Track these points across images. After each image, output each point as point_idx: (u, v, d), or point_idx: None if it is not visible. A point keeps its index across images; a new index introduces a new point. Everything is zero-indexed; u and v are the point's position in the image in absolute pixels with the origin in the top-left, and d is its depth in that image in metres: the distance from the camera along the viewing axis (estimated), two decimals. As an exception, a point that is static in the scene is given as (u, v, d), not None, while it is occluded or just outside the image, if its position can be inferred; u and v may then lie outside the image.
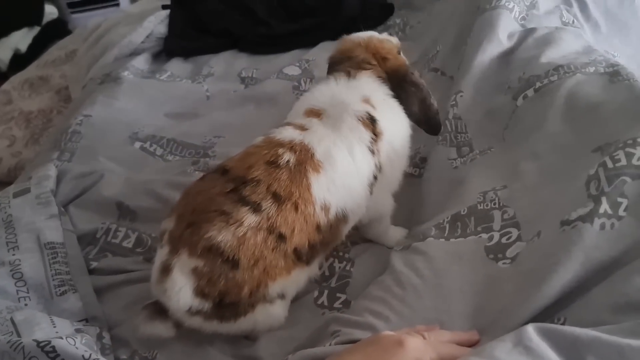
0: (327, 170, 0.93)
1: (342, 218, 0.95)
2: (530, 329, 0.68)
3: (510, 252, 0.88)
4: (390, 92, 1.06)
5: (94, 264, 1.13)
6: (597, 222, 0.79)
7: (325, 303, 1.00)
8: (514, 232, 0.91)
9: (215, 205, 0.87)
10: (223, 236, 0.85)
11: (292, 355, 0.82)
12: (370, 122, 0.99)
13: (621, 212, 0.79)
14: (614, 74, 1.04)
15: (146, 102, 1.60)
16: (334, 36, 1.79)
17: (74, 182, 1.27)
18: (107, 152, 1.39)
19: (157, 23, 1.90)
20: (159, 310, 0.91)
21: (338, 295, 1.01)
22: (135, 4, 2.38)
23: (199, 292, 0.87)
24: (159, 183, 1.26)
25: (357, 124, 0.97)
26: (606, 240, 0.78)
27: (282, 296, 0.93)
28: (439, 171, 1.19)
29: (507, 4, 1.37)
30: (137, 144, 1.43)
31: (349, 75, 1.06)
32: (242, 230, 0.85)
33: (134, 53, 1.84)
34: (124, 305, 1.04)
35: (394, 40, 1.16)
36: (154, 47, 1.87)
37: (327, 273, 1.06)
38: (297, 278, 0.94)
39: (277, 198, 0.88)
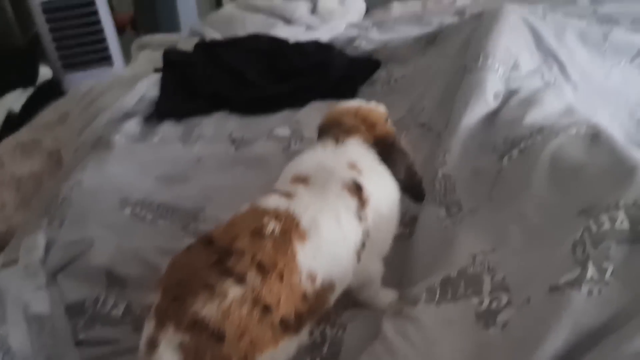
0: (313, 239, 0.92)
1: (328, 286, 0.94)
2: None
3: (500, 318, 0.88)
4: (378, 158, 1.08)
5: (82, 336, 1.11)
6: (585, 288, 0.80)
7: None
8: (504, 297, 0.91)
9: (200, 278, 0.87)
10: (208, 310, 0.84)
11: None
12: (356, 189, 0.99)
13: (607, 278, 0.80)
14: (595, 136, 1.07)
15: (137, 166, 1.61)
16: (323, 96, 1.85)
17: (63, 251, 1.27)
18: (97, 219, 1.39)
19: (149, 86, 1.94)
20: None
21: (330, 364, 0.99)
22: (128, 66, 2.43)
23: None
24: (149, 250, 1.25)
25: (343, 192, 0.98)
26: (594, 307, 0.78)
27: None
28: (429, 231, 1.19)
29: (492, 65, 1.42)
30: (128, 210, 1.43)
31: (337, 141, 1.08)
32: (226, 303, 0.84)
33: (126, 116, 1.86)
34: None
35: (382, 108, 1.20)
36: (146, 110, 1.89)
37: (318, 340, 1.04)
38: (286, 348, 0.92)
39: (261, 269, 0.87)
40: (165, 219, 1.42)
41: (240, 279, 0.86)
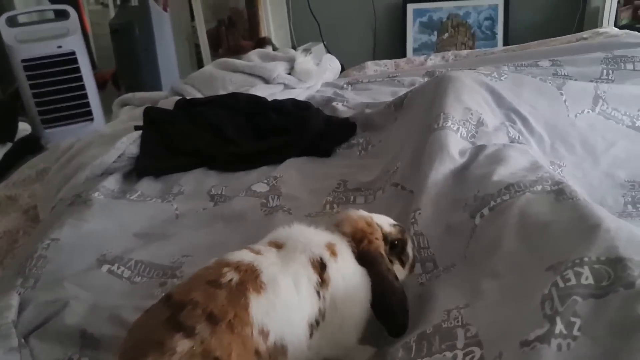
0: (269, 294, 0.92)
1: (280, 348, 0.92)
2: None
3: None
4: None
5: (54, 400, 1.09)
6: (554, 342, 0.82)
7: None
8: (477, 352, 0.92)
9: (152, 337, 0.86)
10: None
11: None
12: (320, 266, 0.99)
13: (575, 332, 0.82)
14: (559, 192, 1.12)
15: (115, 223, 1.61)
16: (300, 153, 1.89)
17: (37, 311, 1.24)
18: (73, 277, 1.37)
19: (129, 144, 1.96)
20: None
21: None
22: (109, 124, 2.46)
23: None
24: (125, 309, 1.24)
25: (307, 264, 0.98)
26: (564, 362, 0.80)
27: None
28: (405, 286, 1.21)
29: (452, 126, 1.49)
30: (105, 267, 1.42)
31: (331, 227, 1.09)
32: (175, 359, 0.82)
33: (106, 173, 1.88)
34: None
35: (387, 224, 1.13)
36: (126, 166, 1.91)
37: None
38: None
39: (211, 319, 0.86)
40: (142, 276, 1.41)
41: (190, 332, 0.84)
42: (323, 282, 0.98)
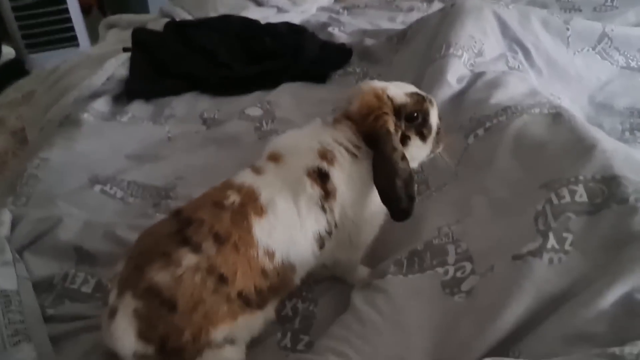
0: (270, 216, 0.92)
1: (288, 266, 0.94)
2: (487, 363, 0.70)
3: (465, 286, 0.91)
4: (365, 152, 0.99)
5: (51, 311, 1.10)
6: (546, 256, 0.84)
7: (289, 345, 1.00)
8: (468, 266, 0.94)
9: (159, 247, 0.88)
10: (161, 277, 0.84)
11: None
12: (320, 179, 0.96)
13: (567, 247, 0.84)
14: (557, 115, 1.11)
15: (106, 144, 1.59)
16: (294, 78, 1.85)
17: (30, 227, 1.25)
18: (65, 196, 1.37)
19: (118, 65, 1.90)
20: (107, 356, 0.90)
21: (301, 336, 1.01)
22: (96, 46, 2.38)
23: (142, 336, 0.85)
24: (119, 226, 1.24)
25: (305, 179, 0.95)
26: (555, 274, 0.82)
27: (231, 341, 0.90)
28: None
29: (455, 52, 1.45)
30: (97, 187, 1.42)
31: (328, 122, 1.04)
32: (180, 271, 0.85)
33: (94, 95, 1.83)
34: (82, 354, 1.01)
35: (402, 94, 1.02)
36: (115, 89, 1.87)
37: (290, 313, 1.06)
38: (248, 323, 0.92)
39: (218, 239, 0.87)
40: (135, 196, 1.41)
41: (196, 248, 0.86)
42: (327, 194, 0.96)
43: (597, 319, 0.76)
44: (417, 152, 1.04)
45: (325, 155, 0.97)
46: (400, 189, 0.95)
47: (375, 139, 0.96)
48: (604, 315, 0.76)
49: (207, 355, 0.88)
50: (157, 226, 0.94)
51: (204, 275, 0.85)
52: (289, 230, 0.93)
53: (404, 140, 1.01)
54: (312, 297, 1.09)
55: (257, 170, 0.98)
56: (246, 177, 0.97)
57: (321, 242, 0.97)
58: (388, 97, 1.00)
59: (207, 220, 0.89)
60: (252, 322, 0.93)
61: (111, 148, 1.58)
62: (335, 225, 0.98)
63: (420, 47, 1.69)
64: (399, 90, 1.02)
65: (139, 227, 1.20)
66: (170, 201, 1.37)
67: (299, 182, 0.95)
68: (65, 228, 1.25)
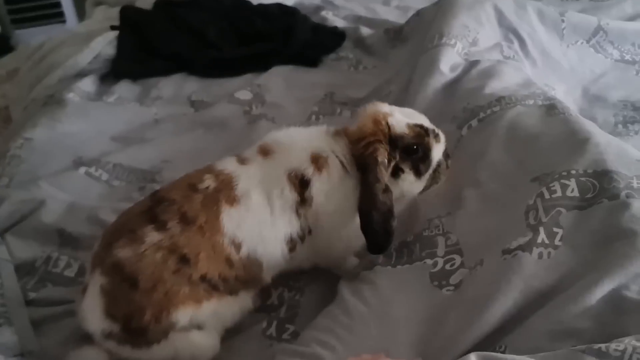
0: (241, 208, 0.90)
1: (255, 261, 0.92)
2: (473, 358, 0.70)
3: (453, 279, 0.91)
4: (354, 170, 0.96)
5: (33, 295, 1.08)
6: (536, 251, 0.83)
7: (274, 334, 0.99)
8: (457, 259, 0.94)
9: (129, 224, 0.89)
10: (124, 253, 0.85)
11: None
12: (300, 184, 0.93)
13: (557, 242, 0.83)
14: (551, 107, 1.10)
15: (92, 125, 1.56)
16: (285, 61, 1.82)
17: (12, 209, 1.22)
18: (49, 178, 1.34)
19: (104, 44, 1.86)
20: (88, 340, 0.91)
21: (287, 326, 1.00)
22: (82, 23, 2.33)
23: (107, 313, 0.86)
24: (104, 210, 1.22)
25: (284, 180, 0.93)
26: (544, 269, 0.82)
27: (198, 326, 0.90)
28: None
29: (448, 41, 1.44)
30: (82, 169, 1.39)
31: (329, 132, 1.00)
32: (142, 248, 0.85)
33: (80, 74, 1.79)
34: (64, 338, 1.00)
35: (403, 124, 0.97)
36: (101, 68, 1.82)
37: (276, 302, 1.05)
38: (217, 310, 0.91)
39: (184, 219, 0.87)
40: (121, 179, 1.39)
41: (161, 226, 0.86)
42: (304, 201, 0.93)
43: (584, 314, 0.76)
44: (408, 187, 1.00)
45: (317, 160, 0.94)
46: (377, 222, 0.91)
47: (362, 165, 0.93)
48: (590, 311, 0.76)
49: (172, 338, 0.88)
50: (134, 205, 0.95)
51: (165, 254, 0.85)
52: (258, 226, 0.92)
53: (396, 172, 0.97)
54: (298, 286, 1.08)
55: (242, 160, 0.97)
56: (228, 165, 0.96)
57: (292, 245, 0.95)
58: (387, 124, 0.95)
59: (178, 200, 0.89)
60: (221, 309, 0.92)
61: (96, 129, 1.55)
62: (310, 232, 0.96)
63: (418, 43, 1.67)
64: (403, 119, 0.97)
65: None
66: (156, 185, 1.34)
67: (277, 181, 0.93)
68: (49, 210, 1.23)
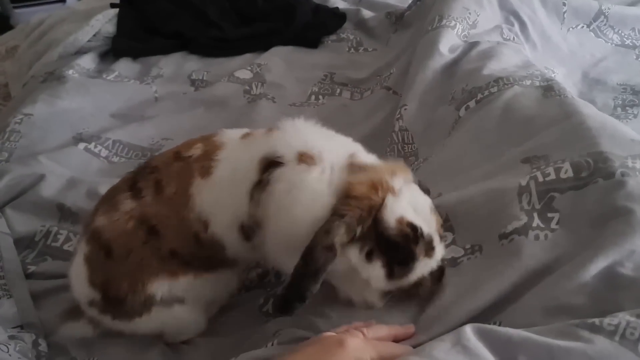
0: (211, 180, 0.81)
1: (218, 243, 0.84)
2: (468, 329, 0.70)
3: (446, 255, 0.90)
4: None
5: (32, 268, 1.09)
6: (532, 234, 0.83)
7: (270, 311, 0.99)
8: (449, 237, 0.93)
9: (113, 192, 0.88)
10: (101, 221, 0.84)
11: (235, 359, 0.82)
12: (266, 165, 0.79)
13: (554, 226, 0.84)
14: (548, 89, 1.10)
15: (92, 102, 1.56)
16: (286, 42, 1.81)
17: (12, 183, 1.23)
18: (48, 153, 1.35)
19: (104, 22, 1.85)
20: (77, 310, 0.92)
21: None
22: (82, 1, 2.31)
23: (90, 281, 0.86)
24: (104, 185, 1.21)
25: (255, 160, 0.81)
26: (540, 250, 0.82)
27: (179, 300, 0.87)
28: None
29: (448, 23, 1.44)
30: (81, 145, 1.40)
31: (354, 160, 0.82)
32: (116, 216, 0.83)
33: (80, 52, 1.79)
34: (63, 312, 1.00)
35: (398, 212, 0.77)
36: (101, 46, 1.82)
37: (273, 280, 1.05)
38: (196, 285, 0.87)
39: (158, 188, 0.82)
40: (120, 156, 1.40)
41: (137, 194, 0.83)
42: (259, 183, 0.80)
43: (578, 291, 0.76)
44: (375, 280, 0.79)
45: (304, 154, 0.79)
46: (297, 274, 0.74)
47: (333, 209, 0.76)
48: (585, 288, 0.76)
49: (157, 312, 0.87)
50: (128, 172, 0.92)
51: (136, 223, 0.82)
52: (221, 205, 0.81)
53: (370, 255, 0.78)
54: (296, 262, 1.08)
55: (244, 135, 0.88)
56: (227, 135, 0.88)
57: (245, 234, 0.83)
58: (382, 200, 0.76)
59: (159, 167, 0.85)
60: (200, 286, 0.88)
61: (96, 106, 1.55)
62: (259, 225, 0.81)
63: (418, 29, 1.66)
64: (404, 208, 0.77)
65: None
66: (156, 162, 1.35)
67: (249, 160, 0.82)
68: (48, 185, 1.23)
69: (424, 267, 0.79)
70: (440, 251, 0.81)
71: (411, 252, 0.77)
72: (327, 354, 0.69)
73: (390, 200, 0.76)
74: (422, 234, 0.77)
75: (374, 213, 0.76)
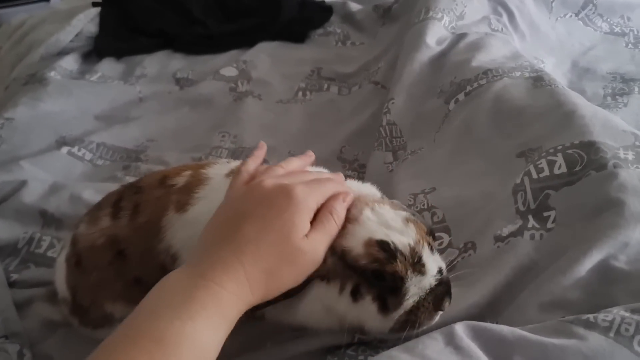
0: (185, 216, 0.78)
1: None
2: (461, 328, 0.69)
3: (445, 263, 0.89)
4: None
5: (15, 276, 1.06)
6: (527, 234, 0.82)
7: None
8: (445, 238, 0.92)
9: (102, 202, 0.89)
10: (80, 229, 0.86)
11: None
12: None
13: (549, 225, 0.82)
14: (538, 79, 1.08)
15: (75, 104, 1.53)
16: (272, 37, 1.79)
17: (-6, 189, 1.20)
18: (30, 158, 1.32)
19: (87, 21, 1.83)
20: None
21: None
22: (64, 0, 2.27)
23: (66, 279, 0.88)
24: (87, 189, 1.20)
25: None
26: (535, 248, 0.81)
27: None
28: (377, 176, 1.19)
29: (435, 15, 1.42)
30: (65, 149, 1.37)
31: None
32: (92, 229, 0.84)
33: (62, 52, 1.76)
34: (47, 320, 0.98)
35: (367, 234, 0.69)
36: (84, 46, 1.79)
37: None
38: None
39: (134, 212, 0.81)
40: (105, 159, 1.37)
41: (115, 214, 0.83)
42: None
43: (573, 286, 0.75)
44: (371, 322, 0.70)
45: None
46: None
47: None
48: (579, 283, 0.75)
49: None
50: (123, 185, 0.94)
51: (106, 242, 0.81)
52: (192, 243, 0.70)
53: (355, 294, 0.69)
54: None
55: (230, 173, 0.82)
56: (214, 170, 0.84)
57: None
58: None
59: (143, 189, 0.84)
60: None
61: (79, 108, 1.52)
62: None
63: (406, 22, 1.64)
64: (368, 227, 0.69)
65: (107, 191, 1.15)
66: (140, 164, 1.33)
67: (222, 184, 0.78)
68: (31, 191, 1.20)
69: (417, 286, 0.68)
70: (434, 263, 0.71)
71: (394, 271, 0.67)
72: (279, 211, 0.64)
73: (350, 228, 0.69)
74: (395, 247, 0.67)
75: (339, 250, 0.68)
